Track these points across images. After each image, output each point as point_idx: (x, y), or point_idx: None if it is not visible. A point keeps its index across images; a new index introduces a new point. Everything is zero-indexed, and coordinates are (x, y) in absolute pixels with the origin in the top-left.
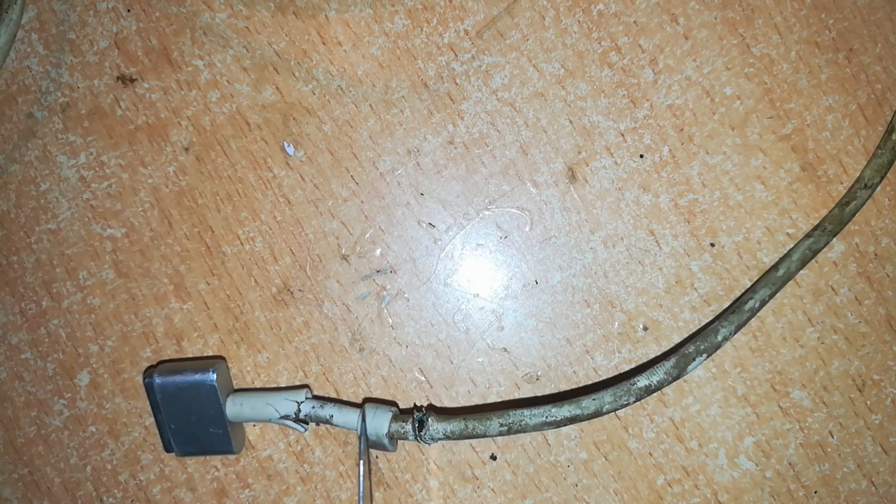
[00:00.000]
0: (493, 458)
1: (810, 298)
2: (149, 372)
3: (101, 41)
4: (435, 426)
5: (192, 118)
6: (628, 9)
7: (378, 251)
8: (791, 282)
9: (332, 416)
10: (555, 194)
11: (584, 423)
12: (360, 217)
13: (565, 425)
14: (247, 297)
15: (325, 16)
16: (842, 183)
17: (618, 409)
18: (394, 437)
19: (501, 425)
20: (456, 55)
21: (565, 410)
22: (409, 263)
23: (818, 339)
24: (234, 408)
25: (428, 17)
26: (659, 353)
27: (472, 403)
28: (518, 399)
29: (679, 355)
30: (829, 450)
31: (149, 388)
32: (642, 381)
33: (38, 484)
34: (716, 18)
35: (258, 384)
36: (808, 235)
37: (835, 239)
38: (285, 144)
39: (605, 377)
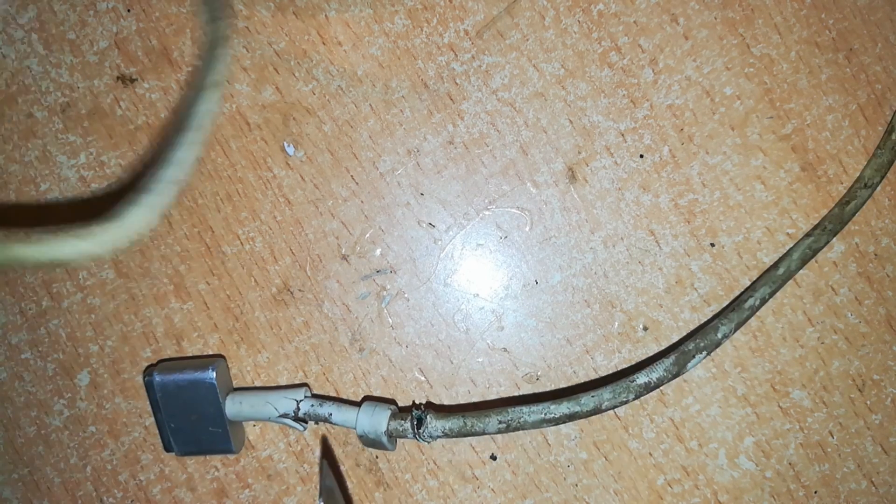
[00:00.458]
0: (493, 458)
1: (810, 298)
2: (149, 370)
3: (101, 41)
4: (433, 423)
5: None
6: (628, 9)
7: (378, 251)
8: (791, 282)
9: (330, 414)
10: (555, 194)
11: (584, 423)
12: (360, 217)
13: (564, 423)
14: (247, 297)
15: (325, 16)
16: (842, 183)
17: (617, 407)
18: (392, 435)
19: (500, 422)
20: (456, 55)
21: (564, 407)
22: (409, 263)
23: (818, 339)
24: (233, 406)
25: (428, 17)
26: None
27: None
28: (517, 396)
29: (678, 353)
30: (829, 450)
31: (149, 386)
32: (641, 378)
33: (38, 484)
34: (716, 18)
35: (258, 384)
36: (808, 234)
37: (835, 239)
38: (285, 144)
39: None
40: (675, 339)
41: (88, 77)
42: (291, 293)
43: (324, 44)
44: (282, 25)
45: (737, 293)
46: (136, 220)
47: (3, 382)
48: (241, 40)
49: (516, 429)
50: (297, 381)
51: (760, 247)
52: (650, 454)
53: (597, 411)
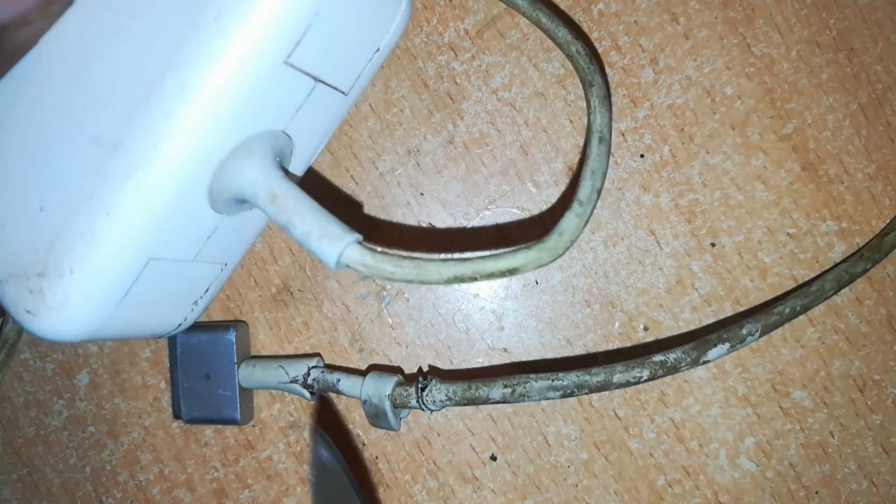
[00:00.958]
0: (494, 458)
1: None
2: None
3: None
4: (437, 387)
5: None
6: (629, 8)
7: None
8: (790, 281)
9: (338, 380)
10: (555, 194)
11: (584, 423)
12: (359, 217)
13: (571, 394)
14: (246, 297)
15: None
16: (843, 183)
17: (629, 385)
18: (397, 403)
19: (505, 387)
20: (456, 54)
21: (573, 376)
22: None
23: (819, 340)
24: (246, 369)
25: (428, 16)
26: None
27: None
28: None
29: (700, 340)
30: (830, 450)
31: (171, 342)
32: (658, 357)
33: (38, 484)
34: (716, 18)
35: None
36: (844, 260)
37: (835, 238)
38: None
39: None
40: (676, 339)
41: None
42: (291, 293)
43: None
44: None
45: (737, 293)
46: (572, 228)
47: (3, 382)
48: None
49: (521, 396)
50: None
51: (761, 247)
52: (651, 454)
53: (606, 386)
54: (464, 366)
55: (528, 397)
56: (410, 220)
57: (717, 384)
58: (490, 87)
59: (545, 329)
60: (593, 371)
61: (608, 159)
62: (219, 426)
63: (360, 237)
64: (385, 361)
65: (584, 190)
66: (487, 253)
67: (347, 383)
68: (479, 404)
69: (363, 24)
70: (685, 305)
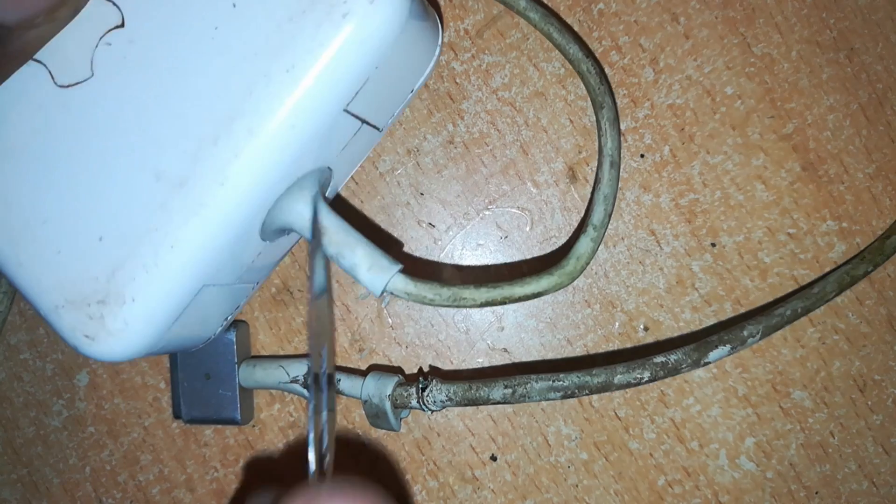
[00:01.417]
0: (494, 458)
1: None
2: None
3: None
4: (438, 387)
5: None
6: (629, 8)
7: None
8: (790, 281)
9: (339, 380)
10: (555, 194)
11: (584, 423)
12: (359, 217)
13: (572, 395)
14: None
15: None
16: (843, 183)
17: (630, 386)
18: (397, 403)
19: (506, 387)
20: (456, 54)
21: (574, 377)
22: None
23: (819, 340)
24: (246, 369)
25: None
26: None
27: None
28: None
29: (702, 342)
30: (831, 450)
31: None
32: (659, 358)
33: (37, 484)
34: (716, 18)
35: None
36: (846, 262)
37: (836, 238)
38: None
39: None
40: (676, 339)
41: None
42: (291, 293)
43: None
44: None
45: (738, 294)
46: (588, 253)
47: (2, 382)
48: None
49: (522, 397)
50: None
51: (761, 247)
52: (651, 455)
53: (607, 387)
54: (464, 366)
55: (528, 398)
56: (410, 220)
57: (718, 384)
58: (490, 87)
59: (545, 329)
60: (594, 372)
61: (618, 182)
62: (219, 426)
63: (401, 266)
64: (385, 362)
65: (598, 214)
66: (515, 280)
67: (348, 383)
68: (480, 405)
69: (407, 70)
70: (685, 305)
